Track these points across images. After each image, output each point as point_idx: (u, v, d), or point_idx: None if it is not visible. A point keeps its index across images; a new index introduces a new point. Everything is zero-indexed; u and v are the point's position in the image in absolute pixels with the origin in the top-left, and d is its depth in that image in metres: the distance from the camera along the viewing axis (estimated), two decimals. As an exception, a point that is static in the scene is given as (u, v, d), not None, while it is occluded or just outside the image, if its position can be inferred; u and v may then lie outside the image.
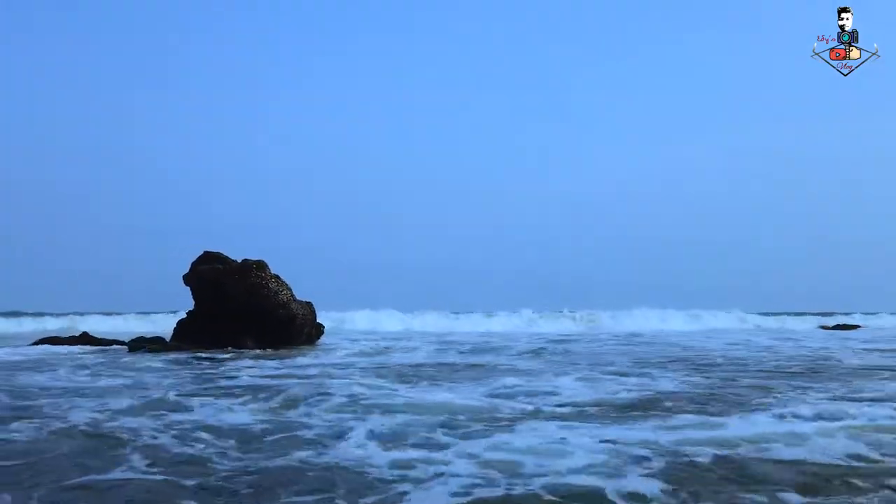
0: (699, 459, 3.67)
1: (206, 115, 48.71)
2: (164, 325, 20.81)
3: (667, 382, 6.95)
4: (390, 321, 24.70)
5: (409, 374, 8.12)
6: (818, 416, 4.84)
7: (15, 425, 4.65)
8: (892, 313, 32.82)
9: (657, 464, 3.54)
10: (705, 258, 45.17)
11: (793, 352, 12.17)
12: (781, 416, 4.87)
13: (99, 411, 5.27)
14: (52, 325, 22.63)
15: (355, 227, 48.62)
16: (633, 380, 7.26)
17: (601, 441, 4.01)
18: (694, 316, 27.47)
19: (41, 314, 25.93)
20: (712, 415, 4.98)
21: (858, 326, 26.34)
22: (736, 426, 4.49)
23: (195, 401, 5.84)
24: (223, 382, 7.35)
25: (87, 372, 8.48)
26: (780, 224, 46.40)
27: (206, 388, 6.80)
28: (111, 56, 47.98)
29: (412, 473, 3.45)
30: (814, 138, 47.45)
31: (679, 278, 42.16)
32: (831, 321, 28.27)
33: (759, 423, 4.58)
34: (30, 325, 23.04)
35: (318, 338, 15.52)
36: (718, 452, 3.78)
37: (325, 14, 49.88)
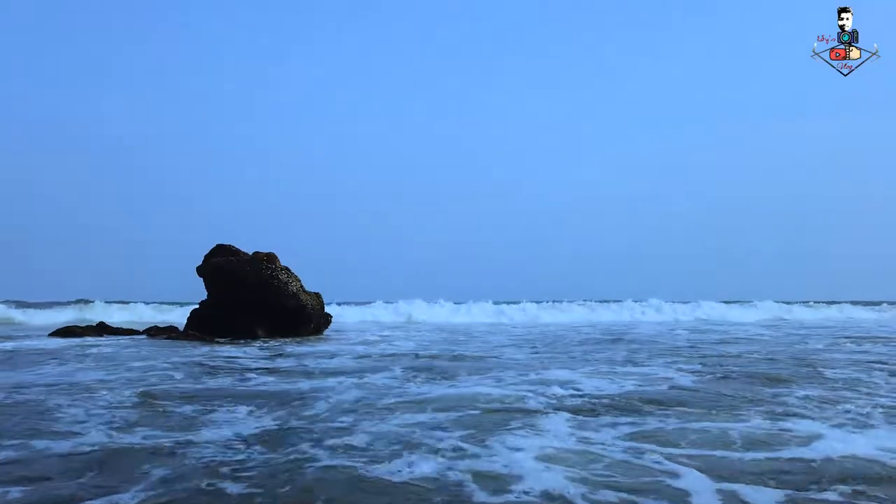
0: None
1: (205, 114, 49.09)
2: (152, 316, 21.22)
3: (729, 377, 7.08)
4: (395, 313, 24.98)
5: (423, 365, 8.42)
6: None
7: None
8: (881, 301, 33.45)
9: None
10: (705, 254, 45.69)
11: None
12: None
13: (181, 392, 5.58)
14: (41, 317, 22.62)
15: (355, 225, 49.30)
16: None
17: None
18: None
19: (22, 304, 25.86)
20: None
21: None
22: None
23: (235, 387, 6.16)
24: (252, 375, 7.66)
25: (132, 358, 8.79)
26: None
27: (237, 374, 7.12)
28: (131, 58, 48.22)
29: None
30: (813, 136, 47.98)
31: (681, 277, 42.71)
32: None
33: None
34: (23, 316, 22.86)
35: (326, 327, 15.83)
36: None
37: (326, 13, 50.06)
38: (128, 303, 25.78)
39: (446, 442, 3.98)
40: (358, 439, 4.07)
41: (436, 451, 3.76)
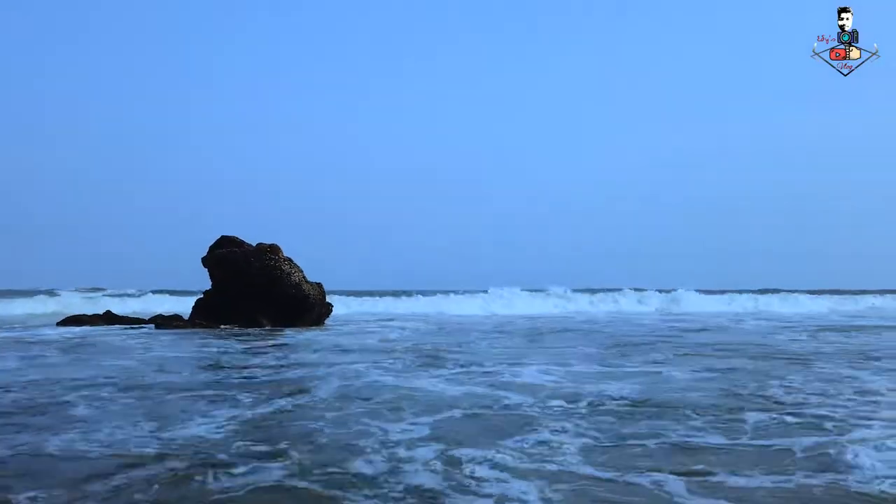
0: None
1: (204, 114, 49.28)
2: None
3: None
4: (393, 308, 25.20)
5: (435, 354, 8.62)
6: None
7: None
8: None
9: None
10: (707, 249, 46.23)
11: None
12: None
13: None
14: (33, 306, 22.55)
15: (356, 225, 49.88)
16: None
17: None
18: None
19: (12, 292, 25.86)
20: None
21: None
22: None
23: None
24: (270, 360, 7.86)
25: (156, 348, 8.97)
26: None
27: (257, 362, 7.32)
28: (130, 57, 48.24)
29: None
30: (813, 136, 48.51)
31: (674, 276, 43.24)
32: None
33: None
34: (20, 306, 22.67)
35: (327, 316, 16.01)
36: None
37: (328, 15, 49.98)
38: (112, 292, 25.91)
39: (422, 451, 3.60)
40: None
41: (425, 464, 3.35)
